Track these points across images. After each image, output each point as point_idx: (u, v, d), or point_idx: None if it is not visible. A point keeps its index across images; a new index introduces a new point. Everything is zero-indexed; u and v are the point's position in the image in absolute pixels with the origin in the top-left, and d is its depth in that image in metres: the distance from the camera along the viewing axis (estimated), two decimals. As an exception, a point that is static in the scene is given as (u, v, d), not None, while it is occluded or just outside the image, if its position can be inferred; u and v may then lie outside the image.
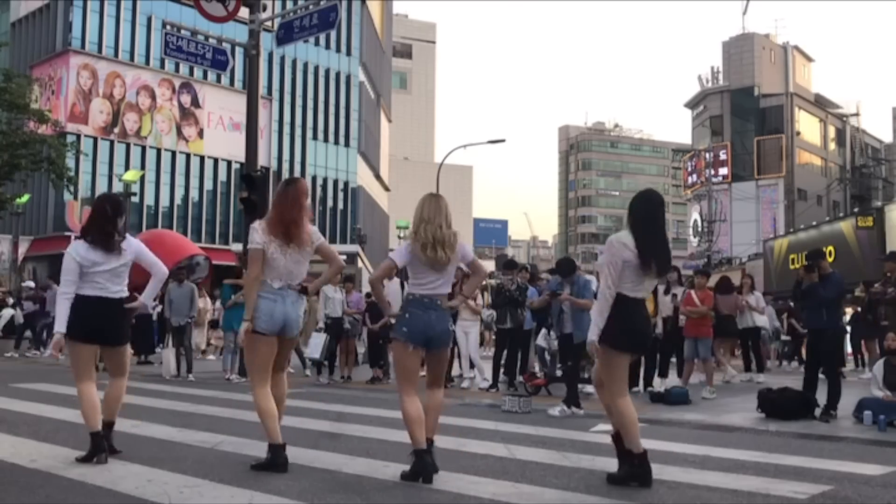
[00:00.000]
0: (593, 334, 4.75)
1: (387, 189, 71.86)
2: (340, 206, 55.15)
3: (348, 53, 55.85)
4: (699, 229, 52.99)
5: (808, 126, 57.52)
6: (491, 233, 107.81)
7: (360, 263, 32.04)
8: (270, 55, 46.45)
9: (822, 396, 7.93)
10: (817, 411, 7.78)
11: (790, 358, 16.64)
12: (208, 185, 46.96)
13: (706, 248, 47.87)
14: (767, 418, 7.73)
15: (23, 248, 34.19)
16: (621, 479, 4.66)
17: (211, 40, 13.80)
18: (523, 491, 4.49)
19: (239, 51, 14.17)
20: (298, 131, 52.64)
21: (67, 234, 35.05)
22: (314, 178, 51.56)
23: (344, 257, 16.12)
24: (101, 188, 38.40)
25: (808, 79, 62.00)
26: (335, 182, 54.82)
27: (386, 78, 72.83)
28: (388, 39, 72.86)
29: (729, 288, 11.88)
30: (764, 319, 13.50)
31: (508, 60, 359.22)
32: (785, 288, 21.19)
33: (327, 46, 53.97)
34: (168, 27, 14.25)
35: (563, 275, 8.78)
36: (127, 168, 38.44)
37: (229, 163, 46.14)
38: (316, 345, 11.39)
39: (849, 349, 15.08)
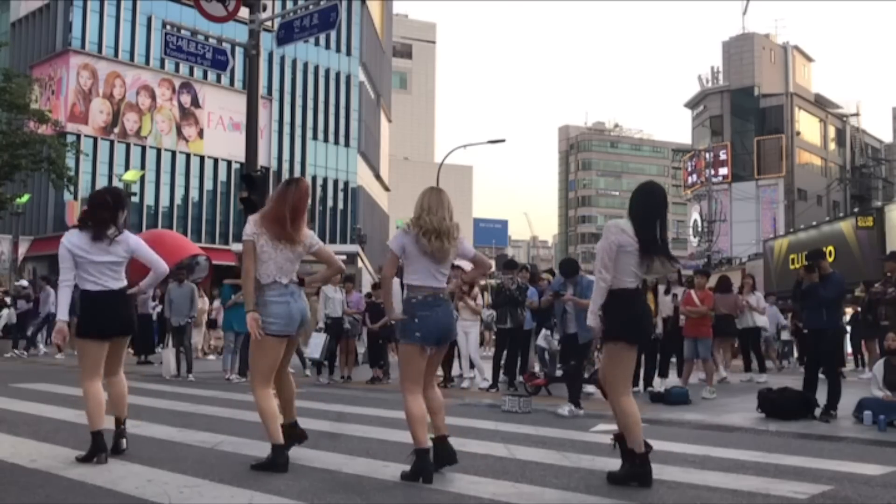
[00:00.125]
0: (591, 319, 4.81)
1: (387, 189, 71.86)
2: (340, 206, 55.16)
3: (348, 53, 55.85)
4: (699, 229, 52.97)
5: (808, 126, 57.51)
6: (491, 233, 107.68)
7: (359, 263, 32.02)
8: (270, 55, 46.46)
9: (822, 396, 7.93)
10: (817, 411, 7.78)
11: (796, 358, 16.60)
12: (208, 185, 46.98)
13: (706, 248, 47.86)
14: (767, 418, 7.73)
15: (23, 248, 34.20)
16: (621, 479, 4.65)
17: (211, 40, 13.78)
18: (523, 491, 4.49)
19: (239, 51, 14.15)
20: (298, 131, 52.65)
21: (68, 234, 35.01)
22: (314, 178, 51.55)
23: (343, 257, 16.18)
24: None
25: (808, 79, 61.99)
26: (335, 182, 54.83)
27: (386, 78, 72.83)
28: (388, 39, 72.86)
29: (727, 287, 11.89)
30: (764, 319, 13.51)
31: (508, 60, 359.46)
32: (785, 288, 21.20)
33: (327, 46, 53.98)
34: (168, 27, 14.23)
35: (566, 275, 8.79)
36: (127, 168, 38.48)
37: (229, 163, 46.16)
38: (316, 345, 11.38)
39: (849, 349, 15.09)
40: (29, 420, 6.97)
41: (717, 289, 11.54)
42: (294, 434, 5.15)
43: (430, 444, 4.68)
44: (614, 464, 4.83)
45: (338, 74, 55.06)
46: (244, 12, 13.25)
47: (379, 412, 8.03)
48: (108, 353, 5.22)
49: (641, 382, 10.23)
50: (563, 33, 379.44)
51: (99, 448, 4.93)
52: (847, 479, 4.98)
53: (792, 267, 30.26)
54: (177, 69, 43.71)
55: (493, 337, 13.78)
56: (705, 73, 60.27)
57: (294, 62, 52.15)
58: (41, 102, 36.34)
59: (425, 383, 4.87)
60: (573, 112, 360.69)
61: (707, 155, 56.73)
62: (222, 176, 47.31)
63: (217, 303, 16.34)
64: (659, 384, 10.36)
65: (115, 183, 34.71)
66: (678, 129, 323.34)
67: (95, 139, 40.95)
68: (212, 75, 42.34)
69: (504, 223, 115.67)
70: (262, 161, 18.03)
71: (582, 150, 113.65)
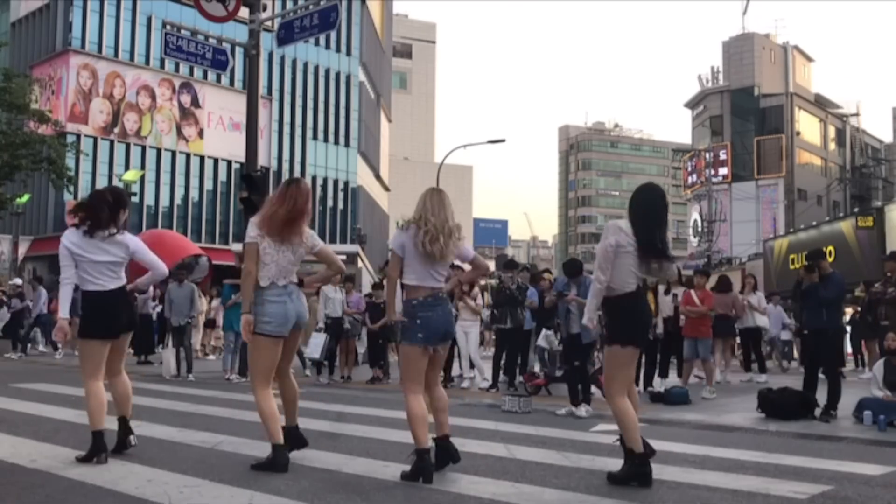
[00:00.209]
0: (587, 318, 4.90)
1: (387, 189, 71.85)
2: (340, 206, 55.14)
3: (348, 53, 55.83)
4: (699, 229, 52.97)
5: (808, 126, 57.50)
6: (491, 233, 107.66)
7: (359, 263, 32.02)
8: (270, 55, 46.45)
9: (822, 396, 7.93)
10: (817, 411, 7.78)
11: (796, 358, 16.59)
12: (208, 185, 46.96)
13: (706, 248, 47.86)
14: (767, 418, 7.74)
15: (23, 248, 34.19)
16: (621, 479, 4.66)
17: (211, 40, 13.78)
18: (523, 491, 4.49)
19: (239, 51, 14.15)
20: (298, 131, 52.62)
21: (68, 234, 35.01)
22: (314, 178, 51.53)
23: (343, 257, 16.17)
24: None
25: (808, 79, 61.99)
26: (335, 182, 54.80)
27: (386, 78, 72.81)
28: (388, 39, 72.85)
29: (726, 287, 11.89)
30: (765, 320, 13.50)
31: (508, 60, 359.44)
32: (785, 288, 21.19)
33: (327, 46, 53.96)
34: (168, 27, 14.23)
35: (569, 275, 8.82)
36: (127, 168, 38.46)
37: (229, 163, 46.14)
38: (316, 345, 11.39)
39: (849, 349, 15.08)
40: (29, 420, 6.97)
41: (716, 289, 11.54)
42: (295, 439, 5.10)
43: (430, 444, 4.68)
44: (614, 464, 4.83)
45: (338, 74, 55.05)
46: (244, 12, 13.25)
47: (379, 412, 8.03)
48: (110, 350, 5.23)
49: (641, 382, 10.23)
50: (563, 33, 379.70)
51: (99, 448, 4.93)
52: (847, 479, 4.98)
53: (792, 267, 30.26)
54: (177, 69, 43.70)
55: (493, 337, 13.77)
56: (705, 73, 60.39)
57: (294, 62, 52.13)
58: (41, 102, 36.31)
59: (430, 382, 4.88)
60: (573, 112, 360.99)
61: (707, 155, 56.72)
62: (222, 176, 47.30)
63: (216, 302, 16.34)
64: (659, 384, 10.36)
65: (115, 183, 34.74)
66: (678, 129, 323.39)
67: (95, 139, 40.94)
68: (212, 75, 42.33)
69: (504, 223, 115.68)
70: (262, 161, 18.02)
71: (582, 150, 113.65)
